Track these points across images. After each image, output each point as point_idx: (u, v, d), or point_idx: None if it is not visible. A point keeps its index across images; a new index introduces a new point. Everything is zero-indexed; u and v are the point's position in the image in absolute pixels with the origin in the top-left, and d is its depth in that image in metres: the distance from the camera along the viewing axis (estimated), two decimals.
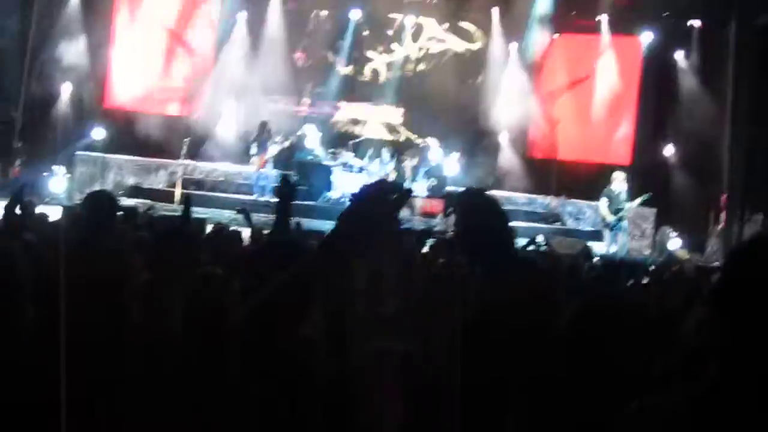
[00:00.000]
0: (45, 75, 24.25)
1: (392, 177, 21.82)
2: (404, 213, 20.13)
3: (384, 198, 3.11)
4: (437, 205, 21.53)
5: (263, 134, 22.76)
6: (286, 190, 4.80)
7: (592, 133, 26.37)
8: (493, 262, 4.18)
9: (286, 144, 23.05)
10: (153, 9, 25.74)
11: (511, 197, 25.00)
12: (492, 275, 4.13)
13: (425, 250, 11.02)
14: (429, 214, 21.39)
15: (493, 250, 4.23)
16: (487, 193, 4.80)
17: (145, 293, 4.45)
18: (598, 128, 26.32)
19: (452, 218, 18.84)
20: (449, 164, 23.15)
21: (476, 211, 4.45)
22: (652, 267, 14.22)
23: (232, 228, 11.11)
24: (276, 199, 4.96)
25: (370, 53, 27.84)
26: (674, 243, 22.42)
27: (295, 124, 24.39)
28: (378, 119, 27.34)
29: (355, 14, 27.07)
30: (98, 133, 23.86)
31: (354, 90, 27.63)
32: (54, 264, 3.90)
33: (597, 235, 21.44)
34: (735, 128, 23.87)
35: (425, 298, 4.90)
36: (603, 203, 20.98)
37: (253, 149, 22.66)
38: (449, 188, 22.30)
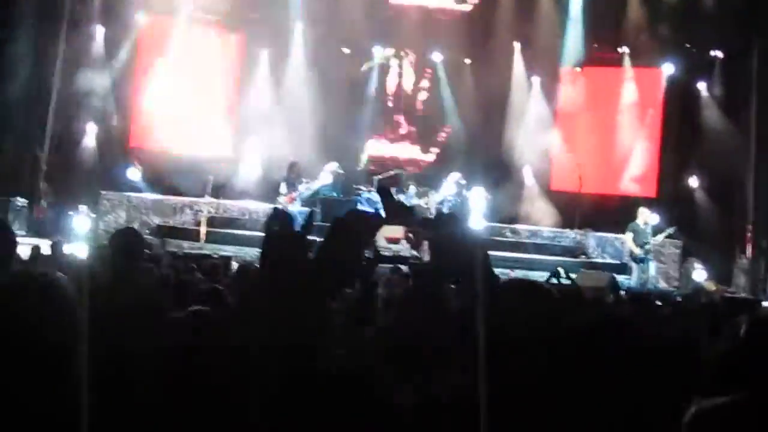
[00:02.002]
0: (69, 115, 24.40)
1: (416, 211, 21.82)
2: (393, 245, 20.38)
3: (359, 225, 3.14)
4: (399, 231, 21.30)
5: (293, 174, 22.73)
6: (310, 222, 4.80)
7: (616, 165, 26.33)
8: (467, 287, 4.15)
9: (315, 185, 22.95)
10: (176, 48, 25.89)
11: (536, 231, 25.03)
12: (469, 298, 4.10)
13: None
14: (392, 241, 21.23)
15: (467, 274, 4.19)
16: (456, 217, 4.78)
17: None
18: (622, 161, 26.28)
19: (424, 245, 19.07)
20: (474, 198, 23.09)
21: (447, 238, 4.43)
22: (679, 299, 14.18)
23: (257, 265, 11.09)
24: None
25: (390, 85, 27.98)
26: (700, 274, 22.36)
27: (318, 161, 24.31)
28: (402, 154, 27.35)
29: (378, 51, 27.25)
30: (133, 173, 24.02)
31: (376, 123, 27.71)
32: (83, 302, 3.90)
33: (623, 269, 21.38)
34: (760, 158, 23.83)
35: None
36: (629, 237, 21.03)
37: (283, 188, 22.63)
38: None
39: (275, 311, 3.64)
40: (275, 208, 5.94)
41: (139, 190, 24.10)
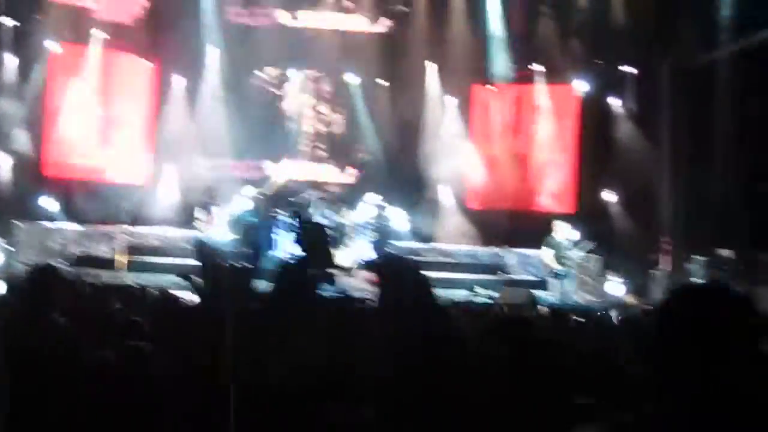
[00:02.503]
0: None
1: (333, 234, 21.82)
2: (344, 283, 20.28)
3: (305, 274, 3.16)
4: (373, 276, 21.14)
5: (208, 198, 22.70)
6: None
7: (533, 182, 26.52)
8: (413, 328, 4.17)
9: (235, 209, 22.89)
10: (89, 75, 25.63)
11: (454, 249, 25.11)
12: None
13: None
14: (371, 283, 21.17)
15: (413, 316, 4.22)
16: (406, 260, 4.85)
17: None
18: (539, 177, 26.49)
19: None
20: (394, 218, 23.16)
21: (396, 281, 4.46)
22: (599, 313, 14.31)
23: (173, 292, 11.00)
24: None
25: (306, 107, 27.95)
26: (616, 288, 22.59)
27: (235, 185, 24.20)
28: (317, 176, 27.37)
29: (292, 73, 27.28)
30: (47, 202, 23.68)
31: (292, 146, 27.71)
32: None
33: (543, 285, 21.50)
34: (673, 171, 24.18)
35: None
36: (547, 252, 21.15)
37: (197, 212, 22.59)
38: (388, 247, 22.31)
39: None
40: (196, 241, 5.73)
41: (53, 219, 23.79)
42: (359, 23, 27.40)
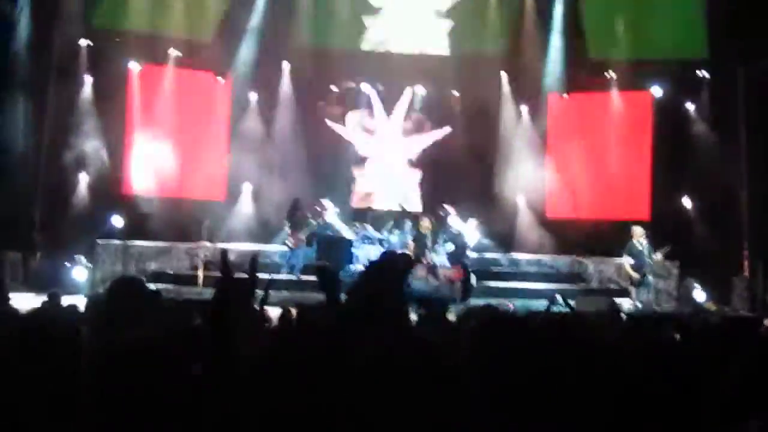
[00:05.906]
0: (61, 164, 24.28)
1: (412, 246, 21.75)
2: (431, 281, 20.52)
3: (392, 268, 3.15)
4: (458, 272, 21.30)
5: (297, 211, 22.76)
6: (326, 277, 4.73)
7: (609, 189, 26.26)
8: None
9: (315, 223, 22.98)
10: (165, 94, 25.91)
11: (533, 259, 24.96)
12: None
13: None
14: (451, 282, 21.21)
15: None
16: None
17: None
18: (614, 185, 26.21)
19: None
20: (469, 230, 23.03)
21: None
22: (682, 321, 14.13)
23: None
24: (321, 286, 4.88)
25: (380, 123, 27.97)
26: (699, 294, 22.27)
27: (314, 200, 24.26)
28: (394, 189, 27.35)
29: (366, 87, 27.34)
30: (118, 221, 23.76)
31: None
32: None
33: (623, 292, 21.30)
34: (752, 174, 23.81)
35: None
36: (626, 260, 20.93)
37: (287, 227, 22.73)
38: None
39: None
40: (319, 268, 5.54)
41: (132, 237, 23.84)
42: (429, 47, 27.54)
